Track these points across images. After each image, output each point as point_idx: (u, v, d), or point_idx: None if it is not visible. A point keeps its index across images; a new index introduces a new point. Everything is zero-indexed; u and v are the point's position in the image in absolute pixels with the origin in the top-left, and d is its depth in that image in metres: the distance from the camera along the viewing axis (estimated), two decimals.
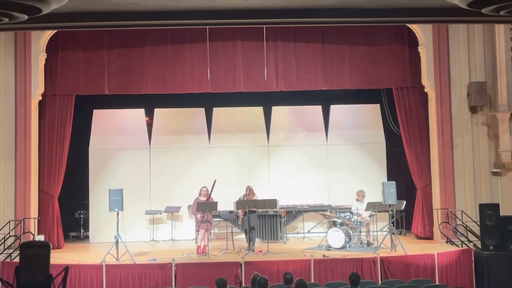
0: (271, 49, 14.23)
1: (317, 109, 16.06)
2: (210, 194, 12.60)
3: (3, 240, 12.62)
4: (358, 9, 9.09)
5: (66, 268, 4.63)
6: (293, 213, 14.70)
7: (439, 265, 11.38)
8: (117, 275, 10.91)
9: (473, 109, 14.06)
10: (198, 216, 12.56)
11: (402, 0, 8.74)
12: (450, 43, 14.08)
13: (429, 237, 14.19)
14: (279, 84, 14.37)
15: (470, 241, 12.64)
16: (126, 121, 15.79)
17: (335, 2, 8.76)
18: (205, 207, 12.33)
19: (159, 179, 15.40)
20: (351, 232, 12.83)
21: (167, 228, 15.23)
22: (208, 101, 15.55)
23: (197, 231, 12.87)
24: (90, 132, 15.39)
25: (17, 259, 11.48)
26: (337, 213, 13.52)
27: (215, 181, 12.67)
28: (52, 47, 14.02)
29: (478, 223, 12.38)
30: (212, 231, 14.11)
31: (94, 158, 15.32)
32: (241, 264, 11.02)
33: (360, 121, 16.07)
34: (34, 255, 4.37)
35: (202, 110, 15.84)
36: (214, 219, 14.07)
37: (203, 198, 12.62)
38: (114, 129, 15.64)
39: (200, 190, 12.79)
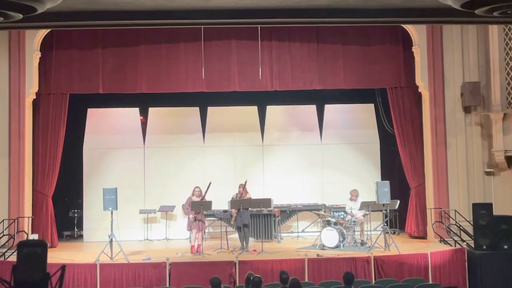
0: (266, 49, 14.24)
1: (312, 108, 16.09)
2: (204, 196, 12.61)
3: None
4: (352, 10, 9.11)
5: (63, 267, 4.62)
6: (287, 213, 14.72)
7: (432, 264, 11.43)
8: (111, 274, 10.91)
9: (467, 109, 14.11)
10: (190, 216, 12.56)
11: (396, 0, 8.77)
12: (444, 44, 14.13)
13: (422, 236, 14.24)
14: (274, 83, 14.39)
15: (463, 241, 12.69)
16: (120, 120, 15.77)
17: (330, 2, 8.77)
18: (199, 206, 12.34)
19: (153, 178, 15.39)
20: (345, 232, 12.86)
21: (161, 227, 15.23)
22: (203, 100, 15.55)
23: (189, 230, 12.84)
24: (84, 131, 15.36)
25: (10, 258, 11.53)
26: (331, 213, 13.56)
27: (210, 183, 12.67)
28: (46, 46, 13.98)
29: (471, 222, 12.41)
30: (206, 231, 14.12)
31: (88, 157, 15.30)
32: (235, 263, 11.04)
33: (354, 121, 16.11)
34: (31, 254, 4.37)
35: (196, 109, 15.84)
36: (208, 219, 14.09)
37: (196, 198, 12.62)
38: (108, 128, 15.61)
39: (193, 190, 12.81)
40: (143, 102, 15.63)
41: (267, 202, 13.03)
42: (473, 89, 13.83)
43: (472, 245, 12.22)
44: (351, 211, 13.19)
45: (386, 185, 12.49)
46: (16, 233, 12.83)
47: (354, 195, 13.49)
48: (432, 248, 12.31)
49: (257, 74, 13.92)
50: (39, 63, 13.88)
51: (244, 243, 12.74)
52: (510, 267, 11.38)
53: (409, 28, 14.08)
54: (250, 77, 14.24)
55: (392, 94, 14.63)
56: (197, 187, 12.85)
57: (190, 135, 15.71)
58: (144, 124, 15.80)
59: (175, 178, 15.30)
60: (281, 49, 14.40)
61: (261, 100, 15.73)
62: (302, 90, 14.77)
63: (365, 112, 16.10)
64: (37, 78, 13.84)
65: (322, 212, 14.15)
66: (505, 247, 11.67)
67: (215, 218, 14.41)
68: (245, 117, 15.93)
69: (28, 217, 13.43)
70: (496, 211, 12.34)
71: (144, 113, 15.92)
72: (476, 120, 14.15)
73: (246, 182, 13.15)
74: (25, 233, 13.00)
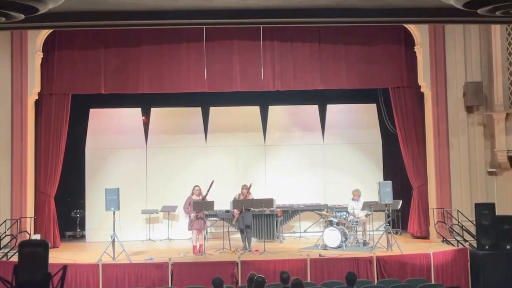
0: (268, 49, 14.23)
1: (314, 108, 16.07)
2: (206, 195, 12.60)
3: None
4: (354, 9, 9.11)
5: (65, 267, 4.61)
6: (290, 213, 14.73)
7: (435, 264, 11.42)
8: (114, 275, 10.92)
9: (469, 109, 14.10)
10: (192, 214, 12.54)
11: (398, 0, 8.76)
12: (446, 43, 14.12)
13: (425, 236, 14.22)
14: (276, 83, 14.39)
15: (466, 241, 12.68)
16: (123, 120, 15.77)
17: (332, 2, 8.77)
18: (201, 206, 12.33)
19: (156, 178, 15.38)
20: (347, 232, 12.86)
21: (164, 227, 15.22)
22: (205, 101, 15.56)
23: (190, 230, 12.80)
24: (86, 131, 15.36)
25: (13, 259, 11.53)
26: (334, 213, 13.55)
27: (212, 182, 12.67)
28: (48, 46, 14.00)
29: (474, 222, 12.42)
30: (208, 230, 14.12)
31: (91, 157, 15.31)
32: (237, 264, 11.05)
33: (357, 121, 16.09)
34: (32, 254, 4.36)
35: (198, 110, 15.84)
36: (210, 219, 14.09)
37: (196, 197, 12.60)
38: (111, 128, 15.62)
39: (193, 189, 12.78)
40: (145, 102, 15.63)
41: (269, 202, 13.03)
42: (476, 89, 13.81)
43: (475, 245, 12.20)
44: (353, 211, 13.19)
45: (389, 185, 12.48)
46: (19, 233, 12.84)
47: (356, 195, 13.48)
48: (434, 248, 12.30)
49: (259, 74, 13.91)
50: (41, 64, 13.89)
51: (246, 243, 12.73)
52: None
53: (411, 28, 14.06)
54: (252, 77, 14.23)
55: (394, 94, 14.62)
56: (196, 185, 12.82)
57: (192, 135, 15.70)
58: (146, 124, 15.80)
59: (177, 178, 15.29)
60: (283, 49, 14.39)
61: (263, 100, 15.72)
62: (304, 90, 14.77)
63: (367, 112, 16.08)
64: (39, 79, 13.85)
65: (324, 212, 14.14)
66: (508, 247, 11.65)
67: (217, 218, 14.41)
68: (247, 117, 15.92)
69: (31, 217, 13.45)
70: (499, 211, 12.31)
71: (146, 113, 15.92)
72: (478, 120, 14.13)
73: (251, 185, 13.14)
74: (28, 233, 13.01)
